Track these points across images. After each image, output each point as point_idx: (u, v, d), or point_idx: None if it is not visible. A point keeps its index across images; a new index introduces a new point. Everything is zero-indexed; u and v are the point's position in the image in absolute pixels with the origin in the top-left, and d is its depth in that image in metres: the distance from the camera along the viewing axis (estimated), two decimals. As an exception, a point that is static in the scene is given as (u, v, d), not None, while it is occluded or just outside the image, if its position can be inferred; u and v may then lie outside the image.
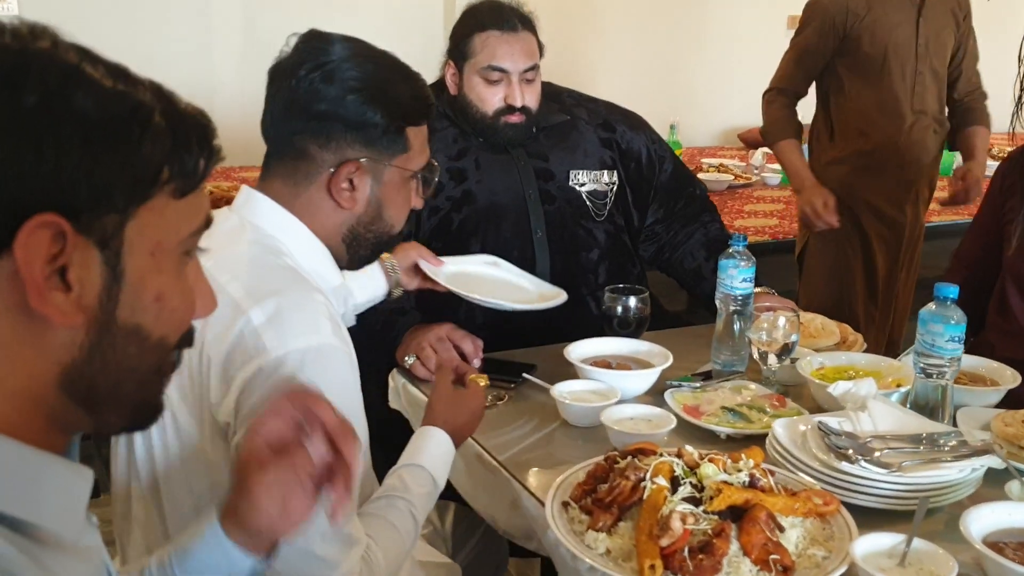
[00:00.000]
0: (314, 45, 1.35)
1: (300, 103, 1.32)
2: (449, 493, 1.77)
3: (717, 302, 1.85)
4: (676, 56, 4.96)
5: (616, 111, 2.32)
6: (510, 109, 2.08)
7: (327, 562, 1.17)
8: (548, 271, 2.11)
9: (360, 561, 1.21)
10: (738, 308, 1.82)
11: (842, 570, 1.15)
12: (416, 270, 1.82)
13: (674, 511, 1.13)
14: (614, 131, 2.26)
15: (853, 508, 1.33)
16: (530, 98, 2.10)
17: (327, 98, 1.31)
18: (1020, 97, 2.05)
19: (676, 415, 1.60)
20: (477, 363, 1.83)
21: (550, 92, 2.26)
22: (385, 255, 1.76)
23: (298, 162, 1.34)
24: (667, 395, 1.69)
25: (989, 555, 1.16)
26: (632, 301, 1.86)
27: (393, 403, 1.88)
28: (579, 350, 1.79)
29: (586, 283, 2.14)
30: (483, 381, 1.65)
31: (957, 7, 2.92)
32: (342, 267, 1.43)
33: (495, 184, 2.12)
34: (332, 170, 1.33)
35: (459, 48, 2.10)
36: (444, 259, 1.86)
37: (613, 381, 1.69)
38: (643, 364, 1.78)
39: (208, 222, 0.79)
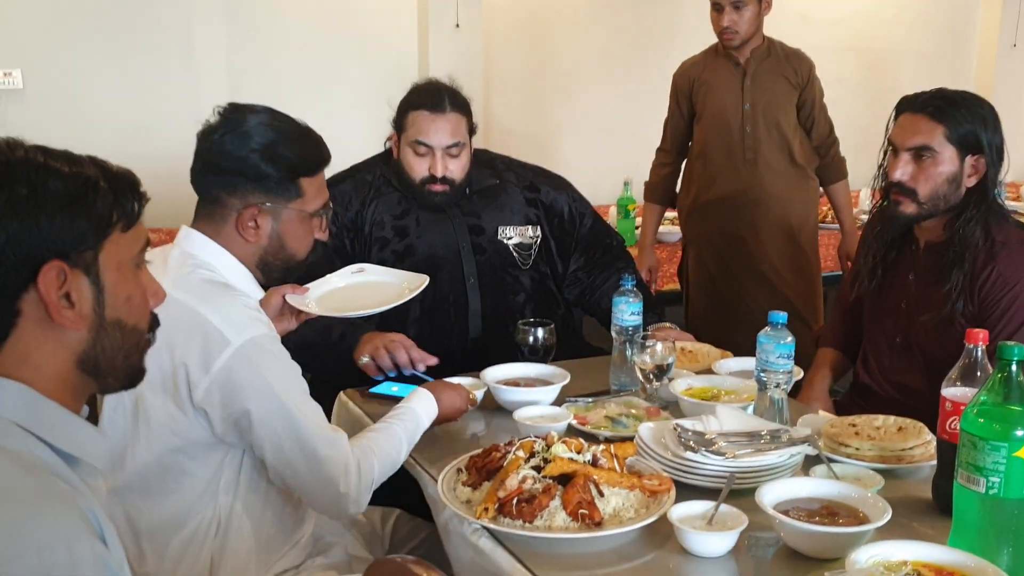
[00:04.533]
0: (229, 115, 1.76)
1: (212, 161, 1.74)
2: (396, 501, 2.13)
3: (612, 333, 2.22)
4: (636, 116, 5.31)
5: (541, 174, 2.72)
6: (433, 179, 2.46)
7: (331, 459, 1.68)
8: (479, 312, 2.49)
9: (352, 446, 1.71)
10: (628, 337, 2.19)
11: (638, 525, 1.53)
12: (287, 310, 2.02)
13: (516, 473, 1.51)
14: (539, 191, 2.66)
15: (696, 488, 1.69)
16: (454, 170, 2.47)
17: (232, 157, 1.72)
18: (881, 165, 2.33)
19: (568, 424, 1.97)
20: (422, 367, 2.20)
21: (485, 159, 2.66)
22: None
23: (215, 207, 1.75)
24: (563, 407, 2.04)
25: (772, 514, 1.51)
26: (540, 331, 2.23)
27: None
28: (494, 372, 2.15)
29: (513, 322, 2.49)
30: (473, 400, 2.06)
31: (792, 73, 3.38)
32: (262, 285, 1.83)
33: (433, 239, 2.51)
34: (238, 213, 1.73)
35: (398, 121, 2.51)
36: (308, 285, 2.08)
37: (518, 396, 2.05)
38: (547, 383, 2.12)
39: (147, 243, 1.18)
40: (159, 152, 3.59)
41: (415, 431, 1.86)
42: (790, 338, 1.89)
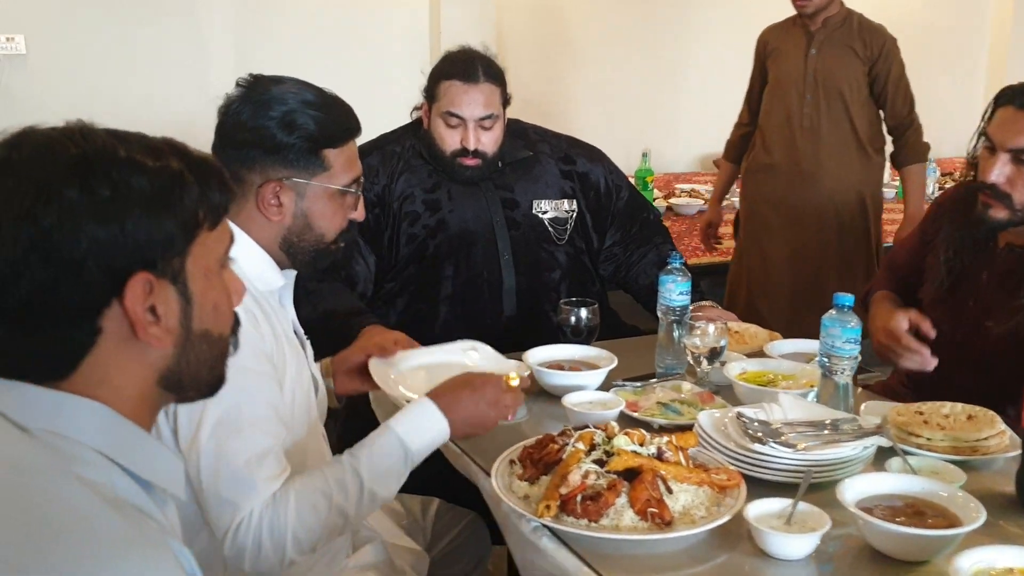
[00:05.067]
0: (249, 86, 1.62)
1: (228, 135, 1.59)
2: (435, 490, 2.01)
3: (659, 313, 2.10)
4: (653, 86, 5.21)
5: (576, 145, 2.59)
6: (465, 152, 2.34)
7: (230, 503, 1.41)
8: (514, 290, 2.37)
9: (267, 502, 1.42)
10: (676, 318, 2.07)
11: (712, 525, 1.42)
12: (364, 369, 1.85)
13: (578, 468, 1.40)
14: (574, 163, 2.53)
15: (764, 482, 1.59)
16: (486, 143, 2.34)
17: (247, 128, 1.57)
18: (976, 145, 2.05)
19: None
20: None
21: (517, 129, 2.53)
22: (325, 363, 1.86)
23: (235, 185, 1.56)
24: (612, 392, 1.93)
25: (857, 513, 1.40)
26: (583, 312, 2.11)
27: (374, 405, 2.08)
28: (537, 355, 2.03)
29: (548, 300, 2.39)
30: (515, 380, 1.66)
31: (861, 45, 3.36)
32: (289, 268, 1.66)
33: (466, 213, 2.38)
34: (258, 189, 1.58)
35: (430, 90, 2.38)
36: (418, 350, 1.88)
37: (565, 381, 1.94)
38: (592, 367, 2.01)
39: (232, 239, 1.04)
40: (164, 122, 3.43)
41: (388, 478, 1.52)
42: (856, 321, 1.77)
